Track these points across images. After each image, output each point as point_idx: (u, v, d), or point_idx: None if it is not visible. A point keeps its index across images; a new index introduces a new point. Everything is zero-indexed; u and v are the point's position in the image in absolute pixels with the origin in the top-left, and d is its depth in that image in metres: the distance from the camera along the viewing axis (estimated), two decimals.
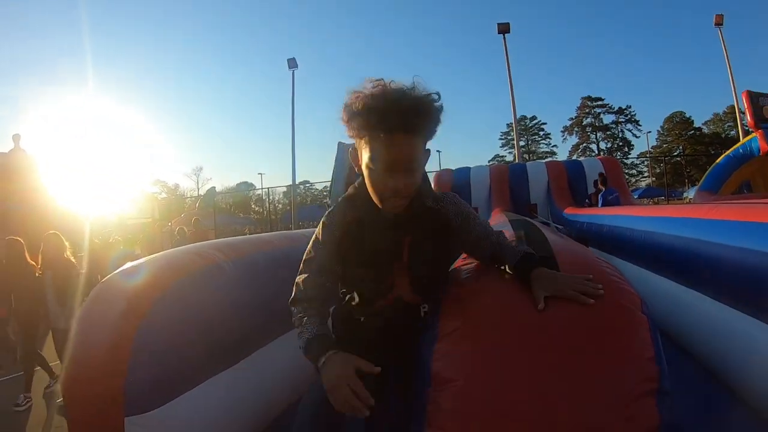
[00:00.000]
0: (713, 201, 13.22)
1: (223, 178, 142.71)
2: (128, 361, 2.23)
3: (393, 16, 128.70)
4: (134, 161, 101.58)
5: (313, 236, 1.86)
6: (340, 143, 11.04)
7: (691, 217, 4.29)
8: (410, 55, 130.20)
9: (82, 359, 2.27)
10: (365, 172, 1.67)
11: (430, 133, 1.66)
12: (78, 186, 19.16)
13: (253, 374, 3.04)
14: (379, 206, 1.71)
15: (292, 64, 30.40)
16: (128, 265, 2.67)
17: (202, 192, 57.34)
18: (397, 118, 1.52)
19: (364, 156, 1.65)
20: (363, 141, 1.64)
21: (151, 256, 2.90)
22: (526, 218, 2.28)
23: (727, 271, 3.38)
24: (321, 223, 1.84)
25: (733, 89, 23.48)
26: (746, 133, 19.06)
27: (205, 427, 2.64)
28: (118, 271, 2.60)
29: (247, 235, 3.97)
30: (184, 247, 3.21)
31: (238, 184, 74.84)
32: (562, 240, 2.04)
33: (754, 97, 19.12)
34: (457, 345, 1.51)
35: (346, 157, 3.32)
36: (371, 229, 1.77)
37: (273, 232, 4.79)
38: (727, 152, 20.32)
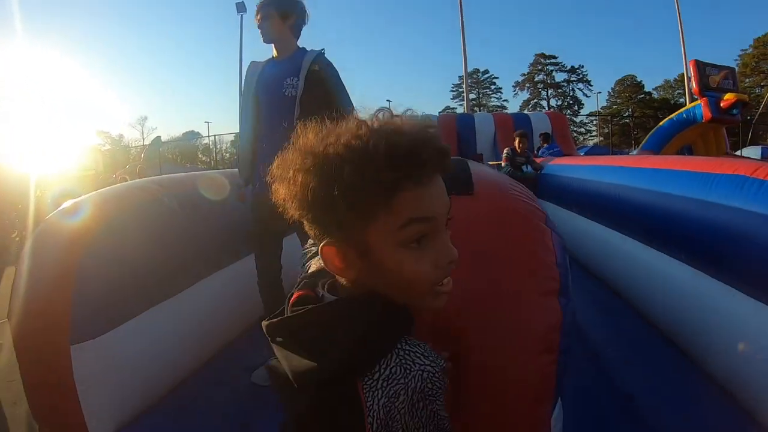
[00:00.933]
0: None
1: (169, 127, 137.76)
2: (72, 291, 2.33)
3: None
4: (75, 113, 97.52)
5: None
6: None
7: (619, 165, 4.60)
8: (363, 3, 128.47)
9: (28, 293, 2.36)
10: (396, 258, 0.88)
11: None
12: (16, 141, 18.56)
13: (194, 304, 3.16)
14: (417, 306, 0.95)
15: (241, 8, 29.54)
16: (70, 202, 2.74)
17: (147, 142, 56.00)
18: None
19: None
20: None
21: (93, 192, 2.96)
22: (465, 158, 2.45)
23: (646, 213, 3.71)
24: (422, 393, 0.84)
25: (684, 58, 24.08)
26: (693, 100, 19.83)
27: (149, 352, 2.76)
28: (60, 208, 2.68)
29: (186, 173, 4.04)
30: (125, 183, 3.30)
31: (184, 134, 72.05)
32: (490, 173, 2.19)
33: (701, 67, 19.79)
34: None
35: None
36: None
37: (215, 170, 4.92)
38: (671, 116, 21.02)
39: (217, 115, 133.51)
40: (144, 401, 2.74)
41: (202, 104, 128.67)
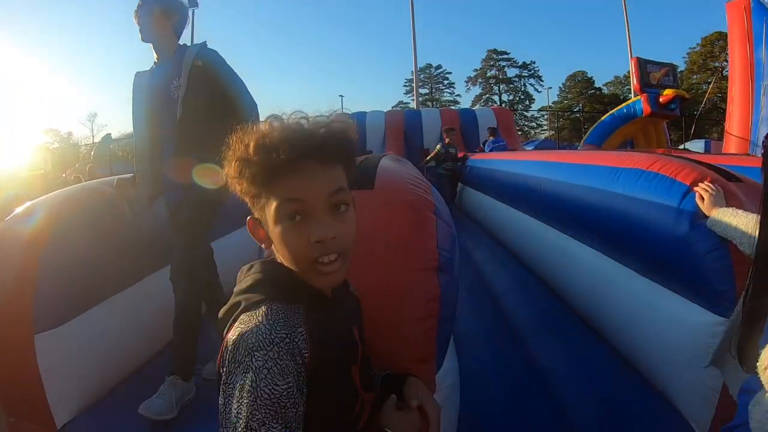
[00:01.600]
0: None
1: (119, 124, 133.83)
2: (35, 284, 2.61)
3: None
4: (21, 111, 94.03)
5: (245, 383, 0.97)
6: None
7: (543, 160, 5.00)
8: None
9: None
10: (277, 231, 1.11)
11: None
12: None
13: (145, 297, 3.41)
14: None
15: (192, 2, 29.05)
16: (25, 205, 3.02)
17: (97, 140, 54.25)
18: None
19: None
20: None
21: (47, 194, 3.20)
22: (384, 155, 2.71)
23: (563, 204, 4.12)
24: (247, 348, 1.00)
25: (629, 55, 24.70)
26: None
27: (105, 342, 3.03)
28: (16, 212, 2.96)
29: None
30: (79, 184, 3.52)
31: None
32: (397, 167, 2.44)
33: (642, 64, 20.87)
34: None
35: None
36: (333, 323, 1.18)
37: None
38: (612, 111, 22.00)
39: None
40: (102, 387, 3.01)
41: None
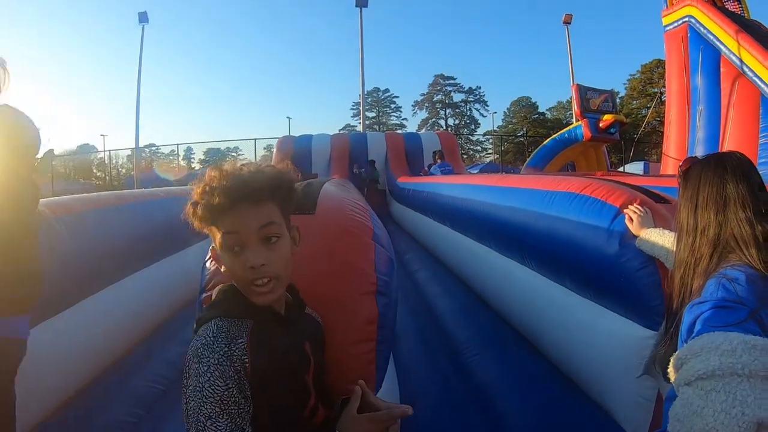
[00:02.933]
0: None
1: (63, 139, 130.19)
2: None
3: None
4: None
5: (193, 383, 1.20)
6: None
7: (484, 184, 5.11)
8: (269, 21, 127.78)
9: None
10: (224, 258, 1.35)
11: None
12: None
13: (87, 317, 3.38)
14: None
15: (143, 18, 28.43)
16: None
17: (39, 155, 52.39)
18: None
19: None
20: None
21: None
22: (326, 179, 2.79)
23: (502, 226, 4.20)
24: (195, 355, 1.23)
25: (572, 82, 25.44)
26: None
27: (57, 355, 3.03)
28: None
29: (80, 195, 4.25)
30: None
31: (79, 146, 67.81)
32: (339, 193, 2.48)
33: (582, 90, 21.97)
34: None
35: None
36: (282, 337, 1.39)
37: (101, 192, 5.09)
38: (554, 136, 22.84)
39: (113, 128, 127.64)
40: (58, 398, 3.07)
41: (99, 116, 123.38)
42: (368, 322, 1.76)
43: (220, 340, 1.25)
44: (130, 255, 4.10)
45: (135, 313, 4.08)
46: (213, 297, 1.44)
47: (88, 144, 68.87)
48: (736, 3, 13.88)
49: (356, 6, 25.91)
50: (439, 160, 13.11)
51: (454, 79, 76.89)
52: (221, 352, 1.23)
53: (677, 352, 1.26)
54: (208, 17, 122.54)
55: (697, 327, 1.29)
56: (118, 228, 4.01)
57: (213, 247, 1.44)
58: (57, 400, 3.09)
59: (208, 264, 2.09)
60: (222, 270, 1.39)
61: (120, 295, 3.84)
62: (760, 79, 10.18)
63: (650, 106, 47.02)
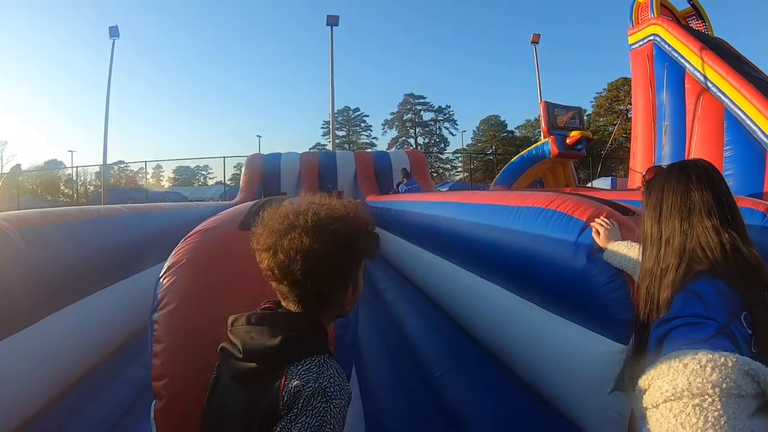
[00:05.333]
0: None
1: (31, 154, 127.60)
2: None
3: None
4: None
5: (316, 422, 1.21)
6: None
7: (450, 201, 5.08)
8: (239, 39, 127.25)
9: None
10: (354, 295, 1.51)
11: None
12: None
13: (43, 341, 3.25)
14: None
15: (114, 32, 28.18)
16: None
17: (6, 170, 51.31)
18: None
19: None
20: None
21: None
22: (290, 196, 2.78)
23: (467, 242, 4.14)
24: (323, 393, 1.24)
25: (540, 100, 25.75)
26: None
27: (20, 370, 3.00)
28: None
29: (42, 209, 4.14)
30: None
31: (46, 162, 66.29)
32: None
33: (550, 108, 22.25)
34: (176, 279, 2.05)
35: None
36: None
37: (64, 207, 4.98)
38: (522, 153, 23.01)
39: (81, 144, 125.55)
40: (15, 421, 2.97)
41: (67, 131, 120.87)
42: None
43: (345, 381, 1.29)
44: (93, 272, 3.99)
45: (96, 333, 3.96)
46: (270, 325, 1.38)
47: (55, 160, 67.73)
48: (699, 21, 14.22)
49: (327, 25, 26.18)
50: (405, 179, 13.11)
51: (424, 98, 77.77)
52: (348, 396, 1.28)
53: (644, 375, 1.21)
54: (179, 34, 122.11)
55: (665, 345, 1.26)
56: (81, 244, 3.90)
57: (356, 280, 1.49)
58: (15, 423, 2.99)
59: (162, 280, 2.03)
60: (349, 302, 1.48)
61: (82, 314, 3.72)
62: (724, 94, 10.39)
63: (617, 123, 47.83)
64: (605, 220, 2.50)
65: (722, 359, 1.07)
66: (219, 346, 1.43)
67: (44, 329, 3.27)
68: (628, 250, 2.24)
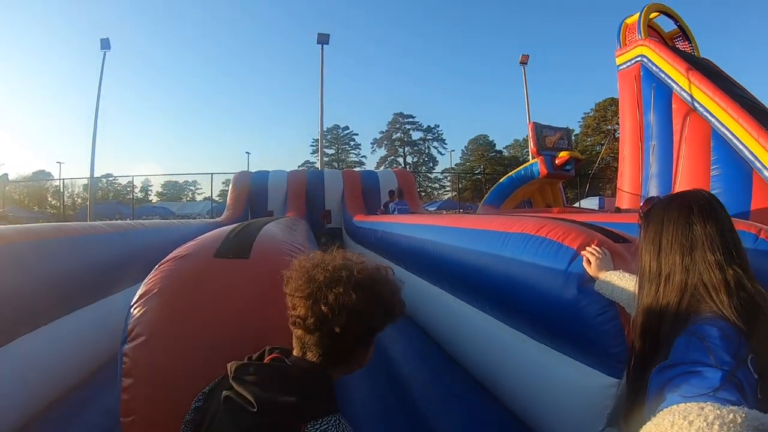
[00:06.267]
0: (494, 214, 15.06)
1: (18, 165, 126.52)
2: None
3: (211, 15, 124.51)
4: None
5: None
6: None
7: (437, 224, 5.01)
8: (230, 56, 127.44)
9: None
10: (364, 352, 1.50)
11: None
12: None
13: (18, 360, 3.17)
14: None
15: (105, 44, 28.16)
16: None
17: None
18: None
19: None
20: None
21: None
22: (273, 218, 2.71)
23: (456, 268, 4.07)
24: None
25: (528, 120, 25.93)
26: None
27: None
28: None
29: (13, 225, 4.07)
30: None
31: (34, 173, 66.04)
32: (279, 234, 2.37)
33: (538, 128, 22.32)
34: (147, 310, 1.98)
35: None
36: None
37: (42, 224, 4.89)
38: (511, 173, 23.06)
39: (70, 156, 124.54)
40: None
41: (56, 142, 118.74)
42: None
43: None
44: (71, 291, 3.88)
45: (74, 354, 3.85)
46: (306, 379, 1.37)
47: (43, 171, 67.29)
48: (686, 42, 14.36)
49: (318, 43, 26.34)
50: (395, 199, 13.07)
51: (413, 117, 78.30)
52: None
53: (644, 428, 1.11)
54: (169, 49, 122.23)
55: (667, 396, 1.16)
56: (59, 262, 3.81)
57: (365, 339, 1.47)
58: None
59: (133, 311, 1.95)
60: (366, 359, 1.50)
61: (57, 335, 3.61)
62: (711, 114, 10.47)
63: (604, 143, 48.16)
64: (596, 248, 2.42)
65: (731, 416, 0.99)
66: (223, 395, 1.36)
67: (17, 350, 3.15)
68: (620, 280, 2.16)
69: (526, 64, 29.87)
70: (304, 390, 1.30)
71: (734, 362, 1.15)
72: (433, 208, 25.71)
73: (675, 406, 1.07)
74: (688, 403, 1.06)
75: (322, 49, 26.45)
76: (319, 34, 26.60)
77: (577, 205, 27.82)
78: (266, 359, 1.42)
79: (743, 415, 0.99)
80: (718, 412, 1.00)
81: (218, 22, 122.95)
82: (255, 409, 1.27)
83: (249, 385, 1.31)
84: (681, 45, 14.37)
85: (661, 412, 1.09)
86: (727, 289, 1.34)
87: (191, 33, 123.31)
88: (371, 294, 1.38)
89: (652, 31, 14.09)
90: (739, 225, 3.90)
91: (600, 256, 2.37)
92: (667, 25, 14.84)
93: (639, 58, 12.95)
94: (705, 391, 1.08)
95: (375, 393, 3.84)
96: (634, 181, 13.09)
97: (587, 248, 2.46)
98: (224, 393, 1.35)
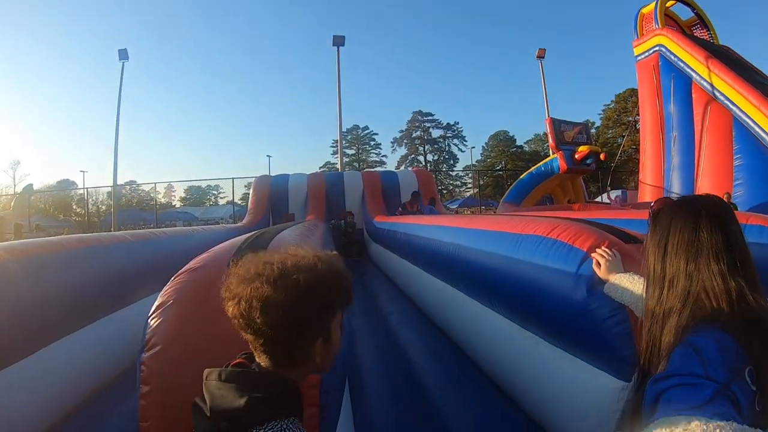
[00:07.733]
0: (515, 212, 14.97)
1: (43, 174, 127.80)
2: None
3: (230, 18, 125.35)
4: None
5: None
6: None
7: (454, 226, 5.02)
8: (249, 60, 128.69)
9: None
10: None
11: None
12: None
13: (35, 374, 3.20)
14: None
15: (123, 55, 28.45)
16: None
17: (19, 189, 51.24)
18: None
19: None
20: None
21: None
22: (292, 223, 2.74)
23: (471, 270, 4.11)
24: None
25: (547, 115, 25.74)
26: None
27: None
28: None
29: (41, 238, 4.15)
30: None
31: (59, 182, 66.91)
32: (295, 240, 2.41)
33: (556, 123, 22.16)
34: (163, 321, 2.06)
35: None
36: None
37: (65, 236, 4.97)
38: (531, 169, 22.92)
39: (94, 164, 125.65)
40: None
41: (80, 151, 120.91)
42: (310, 386, 1.71)
43: None
44: (94, 300, 3.98)
45: (95, 362, 3.92)
46: (258, 383, 1.34)
47: (68, 179, 68.06)
48: (705, 30, 14.19)
49: (333, 45, 26.40)
50: (416, 202, 13.08)
51: (432, 115, 78.16)
52: None
53: None
54: (189, 56, 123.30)
55: (659, 407, 1.16)
56: (81, 273, 3.89)
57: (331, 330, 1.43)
58: None
59: (150, 321, 2.01)
60: (322, 356, 1.41)
61: (81, 343, 3.71)
62: (732, 103, 10.31)
63: (625, 135, 47.67)
64: (606, 250, 2.41)
65: (717, 431, 1.00)
66: (193, 401, 1.37)
67: (40, 360, 3.23)
68: (630, 283, 2.15)
69: (543, 58, 29.63)
70: (255, 394, 1.29)
71: (729, 375, 1.15)
72: (454, 206, 25.66)
73: (664, 418, 1.09)
74: (676, 416, 1.07)
75: (338, 51, 26.53)
76: (334, 36, 26.69)
77: (598, 199, 27.63)
78: (231, 363, 1.43)
79: (731, 430, 1.00)
80: (705, 426, 1.01)
81: (237, 27, 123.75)
82: (209, 415, 1.29)
83: (207, 391, 1.34)
84: (699, 33, 14.20)
85: (651, 424, 1.11)
86: (728, 300, 1.33)
87: (209, 39, 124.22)
88: (294, 285, 1.33)
89: (669, 19, 13.95)
90: (758, 220, 3.88)
91: (610, 258, 2.36)
92: (684, 13, 14.70)
93: (657, 48, 12.80)
94: (695, 404, 1.09)
95: (391, 393, 3.88)
96: (656, 173, 13.00)
97: (597, 250, 2.46)
98: (195, 399, 1.37)
